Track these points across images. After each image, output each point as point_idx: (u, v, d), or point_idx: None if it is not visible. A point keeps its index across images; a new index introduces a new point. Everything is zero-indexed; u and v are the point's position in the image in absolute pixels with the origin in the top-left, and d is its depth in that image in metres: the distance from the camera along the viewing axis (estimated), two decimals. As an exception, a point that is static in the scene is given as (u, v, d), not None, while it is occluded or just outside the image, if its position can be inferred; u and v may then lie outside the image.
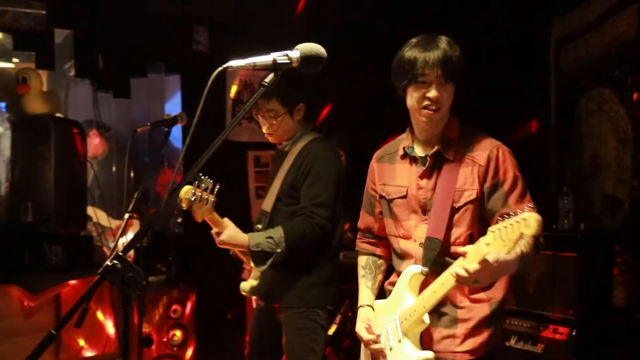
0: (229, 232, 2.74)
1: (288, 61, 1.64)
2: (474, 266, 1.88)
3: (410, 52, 2.10)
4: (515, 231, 1.79)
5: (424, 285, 2.15)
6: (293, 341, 2.90)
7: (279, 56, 1.64)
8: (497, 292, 2.19)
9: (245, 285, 2.95)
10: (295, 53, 1.65)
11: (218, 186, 2.60)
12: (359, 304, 2.38)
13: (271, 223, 2.92)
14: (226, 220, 2.74)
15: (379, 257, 2.44)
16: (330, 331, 3.98)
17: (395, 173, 2.28)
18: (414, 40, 2.16)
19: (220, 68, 1.61)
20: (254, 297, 3.04)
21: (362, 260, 2.46)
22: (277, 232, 2.78)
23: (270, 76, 1.64)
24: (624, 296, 4.26)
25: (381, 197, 2.33)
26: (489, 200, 2.13)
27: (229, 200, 2.72)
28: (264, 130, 2.97)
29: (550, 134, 5.06)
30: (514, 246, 1.82)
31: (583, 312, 3.44)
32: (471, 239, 2.12)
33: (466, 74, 2.14)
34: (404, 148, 2.25)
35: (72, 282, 3.52)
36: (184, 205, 2.54)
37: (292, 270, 2.86)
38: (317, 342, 2.90)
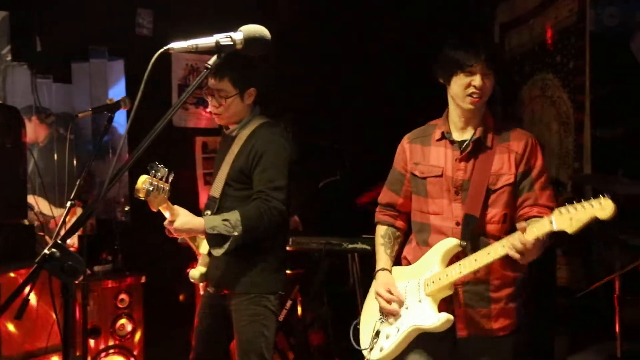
0: (182, 219, 2.67)
1: (231, 43, 1.61)
2: (531, 241, 2.13)
3: (458, 45, 2.36)
4: (587, 214, 2.03)
5: (457, 259, 2.36)
6: (244, 327, 2.88)
7: (222, 38, 1.61)
8: (522, 269, 2.45)
9: (195, 273, 2.91)
10: (238, 35, 1.62)
11: (172, 174, 2.53)
12: (378, 268, 2.58)
13: (220, 209, 2.88)
14: (177, 208, 2.67)
15: (397, 229, 2.67)
16: (281, 317, 3.98)
17: (430, 154, 2.51)
18: (458, 34, 2.45)
19: (161, 50, 1.57)
20: (201, 284, 3.01)
21: (381, 230, 2.67)
22: (234, 215, 2.75)
23: (214, 58, 1.61)
24: (567, 276, 4.39)
25: (412, 175, 2.54)
26: (520, 184, 2.40)
27: (176, 188, 2.67)
28: (212, 110, 2.92)
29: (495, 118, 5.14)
30: (581, 228, 2.05)
31: (529, 292, 3.53)
32: (505, 219, 2.40)
33: (505, 66, 2.37)
34: (442, 133, 2.47)
35: (12, 274, 3.42)
36: (142, 196, 2.43)
37: (242, 256, 2.84)
38: (268, 327, 2.90)
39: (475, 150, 2.41)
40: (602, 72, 4.13)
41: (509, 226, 2.41)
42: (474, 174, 2.40)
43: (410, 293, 2.45)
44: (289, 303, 3.98)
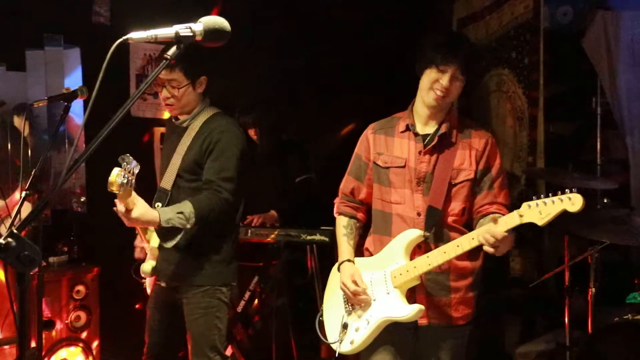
0: (139, 209, 2.60)
1: (191, 34, 1.60)
2: (502, 233, 2.20)
3: (438, 44, 2.44)
4: (557, 208, 2.12)
5: (418, 249, 2.47)
6: (197, 320, 2.88)
7: (182, 29, 1.59)
8: (478, 261, 2.54)
9: (146, 267, 2.88)
10: (198, 26, 1.61)
11: (139, 167, 2.47)
12: (341, 260, 2.61)
13: (171, 201, 2.85)
14: (135, 196, 2.61)
15: (358, 220, 2.71)
16: (239, 308, 3.99)
17: (393, 145, 2.57)
18: (442, 33, 2.62)
19: (120, 40, 1.56)
20: (148, 279, 2.98)
21: (343, 220, 2.70)
22: (187, 207, 2.72)
23: (173, 49, 1.60)
24: (520, 267, 4.50)
25: (375, 164, 2.59)
26: (480, 181, 2.50)
27: (139, 181, 2.64)
28: (165, 101, 2.90)
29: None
30: (550, 220, 2.13)
31: (483, 282, 3.61)
32: (464, 212, 2.50)
33: (477, 74, 2.43)
34: (407, 125, 2.54)
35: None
36: (115, 189, 2.36)
37: (193, 248, 2.83)
38: (221, 319, 2.90)
39: (439, 145, 2.49)
40: (555, 68, 4.24)
41: (466, 219, 2.52)
42: (437, 168, 2.48)
43: (376, 285, 2.50)
44: (247, 294, 3.99)
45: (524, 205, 2.19)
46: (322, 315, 2.68)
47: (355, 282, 2.50)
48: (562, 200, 2.11)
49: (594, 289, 3.29)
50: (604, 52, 3.99)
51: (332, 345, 2.58)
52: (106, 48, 1.55)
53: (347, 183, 2.73)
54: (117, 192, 2.39)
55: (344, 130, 4.43)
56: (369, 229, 2.72)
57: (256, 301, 4.13)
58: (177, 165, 2.87)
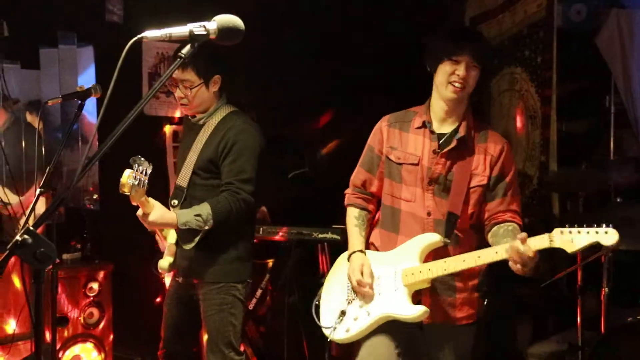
0: (157, 212, 2.66)
1: (205, 32, 1.61)
2: (531, 252, 2.16)
3: (447, 35, 2.43)
4: (591, 239, 2.10)
5: (434, 253, 2.43)
6: (212, 316, 2.90)
7: (196, 27, 1.61)
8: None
9: (164, 263, 2.91)
10: (212, 25, 1.63)
11: (151, 167, 2.49)
12: (353, 250, 2.57)
13: (187, 198, 2.88)
14: (152, 200, 2.65)
15: (369, 212, 2.68)
16: (251, 306, 4.00)
17: (408, 141, 2.52)
18: (449, 27, 2.59)
19: (135, 38, 1.57)
20: (167, 274, 3.01)
21: (354, 211, 2.66)
22: (205, 209, 2.74)
23: (187, 48, 1.61)
24: (531, 268, 4.48)
25: (388, 159, 2.56)
26: (494, 188, 2.47)
27: (151, 179, 2.66)
28: (179, 101, 2.92)
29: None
30: (581, 250, 2.13)
31: (493, 282, 3.60)
32: (472, 217, 2.48)
33: (492, 61, 2.41)
34: (424, 121, 2.49)
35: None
36: (126, 191, 2.40)
37: (210, 245, 2.85)
38: (236, 316, 2.92)
39: (456, 148, 2.45)
40: (568, 67, 4.22)
41: (475, 224, 2.50)
42: (456, 172, 2.44)
43: (384, 280, 2.47)
44: (259, 292, 4.01)
45: (557, 231, 2.16)
46: (319, 300, 2.65)
47: (363, 273, 2.48)
48: (597, 233, 2.10)
49: (606, 289, 3.28)
50: (618, 51, 3.97)
51: (324, 330, 2.57)
52: (119, 46, 1.56)
53: (358, 174, 2.69)
54: (128, 193, 2.43)
55: (327, 147, 4.40)
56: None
57: (268, 299, 4.14)
58: (193, 163, 2.89)
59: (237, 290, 2.92)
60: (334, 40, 4.82)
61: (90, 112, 4.26)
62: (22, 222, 3.56)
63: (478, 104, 5.04)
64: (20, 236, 1.38)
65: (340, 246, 3.89)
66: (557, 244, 2.15)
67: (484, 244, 2.47)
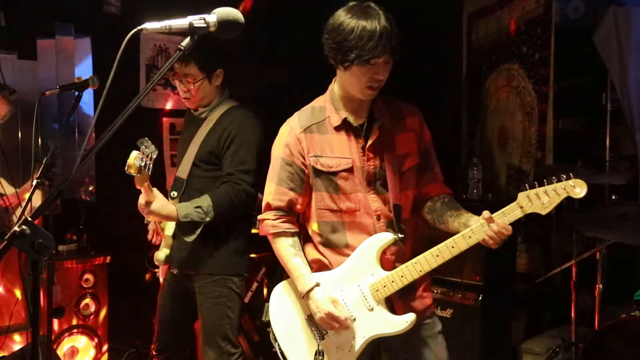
0: (158, 202, 2.65)
1: (205, 25, 1.61)
2: (507, 228, 2.06)
3: (357, 29, 2.05)
4: (561, 195, 2.04)
5: (383, 254, 2.22)
6: (209, 309, 2.91)
7: (196, 20, 1.60)
8: (417, 245, 2.33)
9: (160, 255, 2.91)
10: (212, 17, 1.62)
11: (157, 152, 2.46)
12: (311, 285, 2.23)
13: (187, 190, 2.89)
14: (155, 190, 2.65)
15: (297, 235, 2.35)
16: (247, 299, 4.00)
17: (331, 144, 2.23)
18: (351, 12, 2.10)
19: (134, 30, 1.56)
20: (162, 268, 3.01)
21: (287, 241, 2.31)
22: (205, 201, 2.75)
23: (187, 40, 1.61)
24: (526, 263, 4.51)
25: (315, 169, 2.24)
26: (423, 163, 2.30)
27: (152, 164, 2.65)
28: (182, 95, 2.92)
29: (462, 107, 5.23)
30: (553, 208, 2.04)
31: (490, 278, 3.62)
32: (410, 202, 2.29)
33: (400, 48, 2.15)
34: (344, 119, 2.22)
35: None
36: (133, 172, 2.34)
37: (207, 238, 2.85)
38: (232, 309, 2.92)
39: (380, 136, 2.23)
40: (565, 64, 4.23)
41: (412, 209, 2.34)
42: (386, 160, 2.22)
43: (353, 302, 2.23)
44: (255, 285, 4.01)
45: (522, 196, 2.07)
46: (279, 346, 2.35)
47: (329, 313, 2.18)
48: (564, 188, 2.03)
49: (601, 286, 3.29)
50: (615, 48, 3.97)
51: None
52: (117, 38, 1.56)
53: (279, 195, 2.29)
54: (135, 174, 2.37)
55: None
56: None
57: (264, 292, 4.15)
58: (194, 154, 2.90)
59: (234, 283, 2.92)
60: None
61: (87, 103, 4.25)
62: (17, 212, 3.56)
63: (476, 101, 5.06)
64: (19, 227, 1.38)
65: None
66: (528, 209, 2.07)
67: (423, 227, 2.37)
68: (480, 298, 3.58)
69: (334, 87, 2.28)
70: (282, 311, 2.39)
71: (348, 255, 2.26)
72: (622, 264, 3.72)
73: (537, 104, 4.37)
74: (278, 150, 2.30)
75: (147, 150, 2.41)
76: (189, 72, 2.84)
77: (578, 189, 2.03)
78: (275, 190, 2.29)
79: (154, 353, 3.08)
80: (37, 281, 1.45)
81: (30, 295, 1.48)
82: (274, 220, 2.31)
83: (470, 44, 5.19)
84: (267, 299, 4.20)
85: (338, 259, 2.28)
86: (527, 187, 2.08)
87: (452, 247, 2.13)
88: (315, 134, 2.24)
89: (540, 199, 2.05)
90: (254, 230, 2.97)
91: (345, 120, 2.22)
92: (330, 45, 2.13)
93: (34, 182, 2.29)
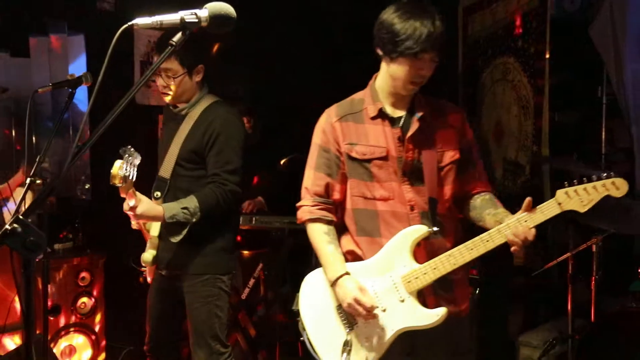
0: (144, 205, 2.63)
1: (196, 20, 1.60)
2: (532, 231, 2.09)
3: (411, 23, 2.12)
4: (601, 193, 2.05)
5: (417, 247, 2.23)
6: (198, 309, 2.89)
7: (187, 15, 1.59)
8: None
9: (147, 256, 2.87)
10: (204, 12, 1.61)
11: (140, 159, 2.46)
12: (337, 273, 2.25)
13: (171, 190, 2.86)
14: (139, 194, 2.63)
15: (334, 223, 2.36)
16: (244, 295, 4.00)
17: (367, 133, 2.28)
18: (407, 6, 2.18)
19: (125, 25, 1.56)
20: (149, 269, 2.97)
21: (322, 227, 2.33)
22: (192, 202, 2.73)
23: (178, 35, 1.60)
24: (522, 256, 4.50)
25: (349, 157, 2.29)
26: (464, 161, 2.32)
27: (143, 168, 2.64)
28: (161, 89, 2.88)
29: (458, 101, 5.22)
30: (591, 206, 2.06)
31: (487, 271, 3.62)
32: (449, 199, 2.31)
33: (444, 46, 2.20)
34: (380, 109, 2.27)
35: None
36: (117, 182, 2.37)
37: (195, 237, 2.83)
38: (222, 308, 2.91)
39: (420, 128, 2.25)
40: (561, 57, 4.22)
41: (452, 205, 2.36)
42: (424, 154, 2.25)
43: (383, 292, 2.24)
44: (251, 281, 4.01)
45: (560, 193, 2.09)
46: (307, 336, 2.35)
47: (357, 300, 2.20)
48: (604, 186, 2.04)
49: (597, 277, 3.29)
50: (611, 41, 3.96)
51: None
52: (111, 35, 1.55)
53: (317, 181, 2.34)
54: (119, 185, 2.39)
55: (282, 161, 4.40)
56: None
57: (261, 288, 4.14)
58: (176, 154, 2.86)
59: (223, 282, 2.91)
60: (326, 24, 4.81)
61: (81, 101, 4.23)
62: (8, 205, 3.54)
63: (472, 95, 5.05)
64: (10, 225, 1.37)
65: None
66: (566, 206, 2.08)
67: (464, 225, 2.39)
68: (477, 291, 3.58)
69: (375, 81, 2.34)
70: (312, 300, 2.39)
71: (381, 245, 2.27)
72: (618, 256, 3.72)
73: (533, 98, 4.36)
74: (316, 137, 2.38)
75: (130, 158, 2.41)
76: (170, 67, 2.79)
77: (619, 187, 2.04)
78: (313, 176, 2.36)
79: (147, 354, 3.08)
80: (29, 280, 1.44)
81: (23, 294, 1.46)
82: (311, 206, 2.36)
83: (466, 38, 5.18)
84: (264, 295, 4.22)
85: (372, 249, 2.29)
86: (566, 185, 2.09)
87: (487, 240, 2.14)
88: (351, 122, 2.30)
89: (579, 196, 2.07)
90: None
91: (381, 110, 2.28)
92: (382, 35, 2.19)
93: (27, 181, 2.27)
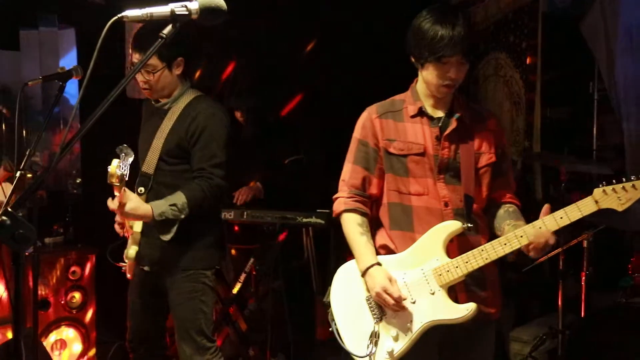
0: (132, 203, 2.61)
1: (186, 12, 1.59)
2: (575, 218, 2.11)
3: (433, 28, 2.19)
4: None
5: (450, 243, 2.25)
6: (182, 304, 2.88)
7: (177, 7, 1.59)
8: None
9: (131, 252, 2.84)
10: (194, 4, 1.60)
11: (133, 156, 2.47)
12: (368, 263, 2.29)
13: (154, 185, 2.84)
14: (128, 191, 2.60)
15: (368, 216, 2.41)
16: (235, 290, 4.00)
17: (405, 130, 2.33)
18: (433, 12, 2.25)
19: (115, 17, 1.54)
20: (128, 264, 2.91)
21: (357, 218, 2.37)
22: (180, 199, 2.72)
23: (169, 28, 1.59)
24: (515, 252, 4.52)
25: (387, 152, 2.34)
26: (498, 166, 2.36)
27: (135, 163, 2.63)
28: (141, 85, 2.83)
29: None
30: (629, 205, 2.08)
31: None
32: (483, 200, 2.34)
33: (478, 49, 2.24)
34: (420, 108, 2.33)
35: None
36: (115, 181, 2.38)
37: (179, 233, 2.80)
38: (206, 303, 2.90)
39: (457, 129, 2.31)
40: (553, 53, 4.23)
41: (483, 207, 2.38)
42: (462, 154, 2.30)
43: (414, 285, 2.26)
44: (243, 276, 4.00)
45: (598, 191, 2.09)
46: (336, 328, 2.35)
47: (385, 289, 2.22)
48: None
49: (587, 273, 3.31)
50: (602, 37, 3.97)
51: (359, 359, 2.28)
52: (101, 28, 1.54)
53: (355, 174, 2.40)
54: (117, 184, 2.40)
55: (286, 161, 4.41)
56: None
57: (252, 283, 4.14)
58: (159, 149, 2.83)
59: (207, 277, 2.89)
60: (324, 21, 4.81)
61: (72, 95, 4.21)
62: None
63: (466, 90, 5.05)
64: (-2, 218, 1.36)
65: (324, 230, 3.91)
66: (604, 204, 2.09)
67: (491, 226, 2.38)
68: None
69: (416, 84, 2.39)
70: (343, 291, 2.41)
71: (414, 240, 2.30)
72: (608, 251, 3.74)
73: (525, 93, 4.37)
74: (356, 132, 2.42)
75: (126, 156, 2.43)
76: (148, 62, 2.72)
77: None
78: (351, 169, 2.41)
79: (129, 349, 3.06)
80: (19, 272, 1.43)
81: (13, 288, 1.46)
82: (347, 198, 2.40)
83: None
84: (255, 290, 4.22)
85: (404, 243, 2.32)
86: (604, 184, 2.10)
87: (521, 236, 2.16)
88: (391, 120, 2.36)
89: (617, 194, 2.08)
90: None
91: (421, 109, 2.33)
92: (411, 43, 2.28)
93: (17, 174, 2.26)
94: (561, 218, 2.12)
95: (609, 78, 3.98)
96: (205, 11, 1.61)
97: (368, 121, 2.39)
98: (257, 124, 4.40)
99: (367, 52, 4.84)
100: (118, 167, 2.37)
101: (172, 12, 1.58)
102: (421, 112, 2.33)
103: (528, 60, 4.32)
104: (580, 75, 4.25)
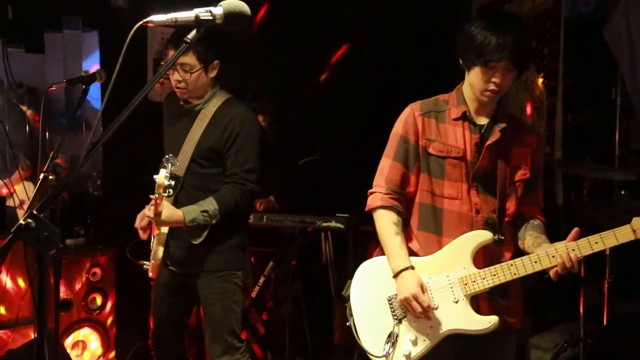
0: (167, 211, 2.65)
1: (211, 18, 1.60)
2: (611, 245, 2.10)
3: (482, 33, 2.16)
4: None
5: (483, 255, 2.24)
6: (215, 305, 2.90)
7: (202, 12, 1.60)
8: None
9: (158, 253, 2.84)
10: (218, 10, 1.61)
11: (176, 166, 2.52)
12: (402, 266, 2.25)
13: (184, 187, 2.85)
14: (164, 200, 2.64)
15: (403, 215, 2.36)
16: (254, 293, 4.01)
17: (447, 132, 2.30)
18: (486, 17, 2.23)
19: (140, 23, 1.56)
20: (152, 265, 2.90)
21: (392, 216, 2.32)
22: (211, 205, 2.74)
23: (193, 32, 1.60)
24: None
25: (426, 152, 2.31)
26: (531, 182, 2.33)
27: (155, 164, 2.65)
28: (176, 84, 2.84)
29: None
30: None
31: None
32: (511, 214, 2.31)
33: (532, 59, 2.22)
34: (464, 112, 2.29)
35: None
36: (162, 192, 2.45)
37: (211, 236, 2.83)
38: (238, 303, 2.94)
39: (499, 139, 2.27)
40: (575, 58, 4.19)
41: (511, 221, 2.36)
42: (500, 166, 2.27)
43: (438, 291, 2.24)
44: (262, 279, 4.01)
45: (637, 220, 2.06)
46: (353, 321, 2.34)
47: (415, 297, 2.18)
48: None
49: (609, 281, 3.27)
50: (625, 42, 3.93)
51: (375, 359, 2.27)
52: (124, 32, 1.55)
53: (393, 170, 2.34)
54: (163, 194, 2.46)
55: (301, 162, 4.40)
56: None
57: (271, 287, 4.15)
58: (191, 151, 2.84)
59: (237, 278, 2.93)
60: (341, 27, 4.81)
61: (94, 97, 4.25)
62: (11, 202, 3.56)
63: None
64: (24, 220, 1.37)
65: (343, 235, 3.91)
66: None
67: (515, 236, 2.37)
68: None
69: (462, 87, 2.36)
70: (364, 288, 2.38)
71: (440, 242, 2.28)
72: (631, 259, 3.69)
73: (546, 99, 4.33)
74: (397, 128, 2.38)
75: (172, 167, 2.47)
76: (187, 62, 2.77)
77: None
78: (390, 165, 2.35)
79: (151, 348, 3.08)
80: (43, 275, 1.44)
81: (36, 289, 1.47)
82: (384, 194, 2.34)
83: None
84: (274, 294, 4.22)
85: (429, 245, 2.30)
86: None
87: (553, 256, 2.13)
88: (433, 120, 2.32)
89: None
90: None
91: (464, 113, 2.30)
92: (460, 45, 2.26)
93: (41, 176, 2.29)
94: (596, 243, 2.10)
95: (631, 83, 3.94)
96: (230, 16, 1.61)
97: (411, 117, 2.34)
98: (278, 129, 4.40)
99: (391, 56, 4.83)
100: (165, 178, 2.42)
101: (197, 17, 1.59)
102: (464, 116, 2.30)
103: (550, 66, 4.28)
104: (602, 81, 4.20)
